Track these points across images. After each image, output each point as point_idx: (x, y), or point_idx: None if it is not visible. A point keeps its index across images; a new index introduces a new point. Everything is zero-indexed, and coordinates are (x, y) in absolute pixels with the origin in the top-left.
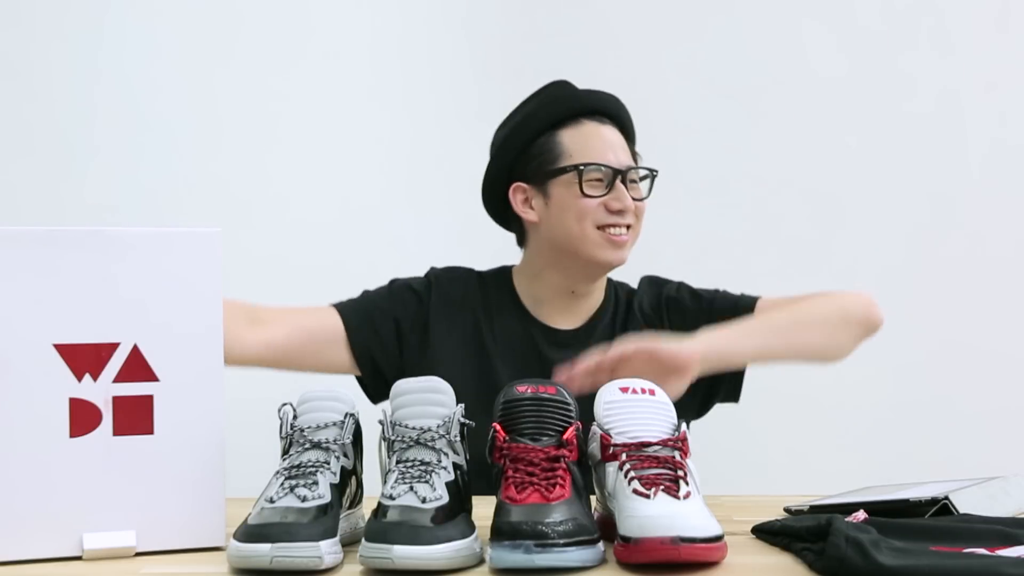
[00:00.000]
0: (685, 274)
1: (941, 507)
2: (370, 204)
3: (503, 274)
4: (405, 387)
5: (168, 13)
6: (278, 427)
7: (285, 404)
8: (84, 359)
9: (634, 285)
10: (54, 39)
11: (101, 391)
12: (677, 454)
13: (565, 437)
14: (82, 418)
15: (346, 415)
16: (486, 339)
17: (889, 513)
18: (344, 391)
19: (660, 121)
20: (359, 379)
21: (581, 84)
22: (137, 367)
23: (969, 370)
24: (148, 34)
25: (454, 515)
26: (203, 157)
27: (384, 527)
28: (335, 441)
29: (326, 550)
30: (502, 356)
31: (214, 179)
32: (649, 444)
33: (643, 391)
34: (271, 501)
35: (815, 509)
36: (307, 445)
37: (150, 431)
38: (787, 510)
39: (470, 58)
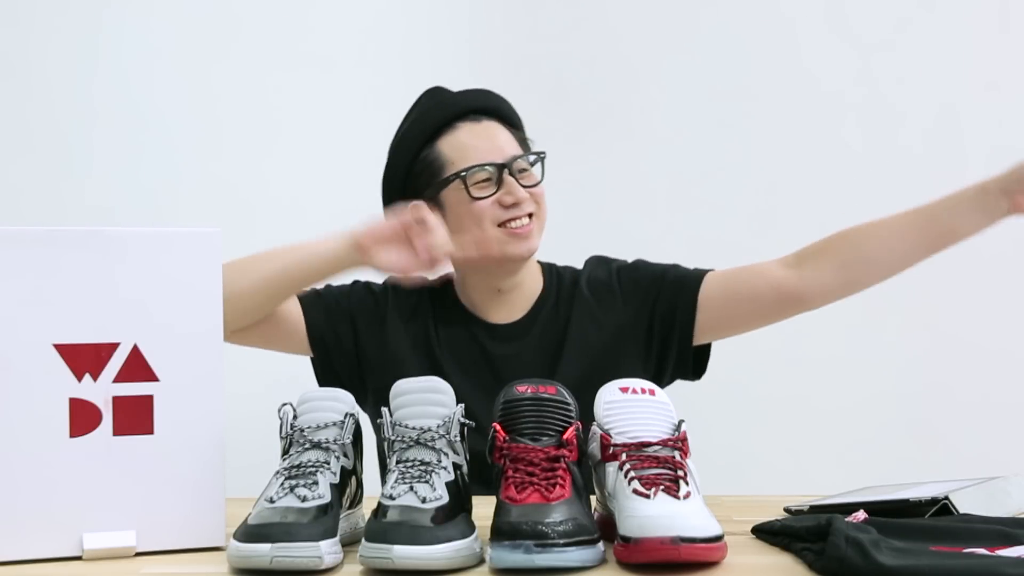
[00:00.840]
0: None
1: (941, 507)
2: (370, 204)
3: (447, 281)
4: (405, 387)
5: (168, 12)
6: (278, 427)
7: (285, 404)
8: (84, 359)
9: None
10: (53, 39)
11: (101, 391)
12: (677, 454)
13: (565, 437)
14: (82, 418)
15: (346, 415)
16: (433, 344)
17: (889, 513)
18: (344, 392)
19: (661, 122)
20: (312, 360)
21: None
22: (137, 367)
23: (969, 370)
24: (147, 33)
25: (454, 515)
26: (203, 157)
27: (384, 527)
28: (335, 441)
29: (326, 550)
30: (450, 357)
31: (214, 179)
32: (649, 444)
33: (643, 391)
34: (271, 501)
35: (815, 509)
36: (307, 445)
37: (150, 431)
38: (787, 510)
39: (471, 58)
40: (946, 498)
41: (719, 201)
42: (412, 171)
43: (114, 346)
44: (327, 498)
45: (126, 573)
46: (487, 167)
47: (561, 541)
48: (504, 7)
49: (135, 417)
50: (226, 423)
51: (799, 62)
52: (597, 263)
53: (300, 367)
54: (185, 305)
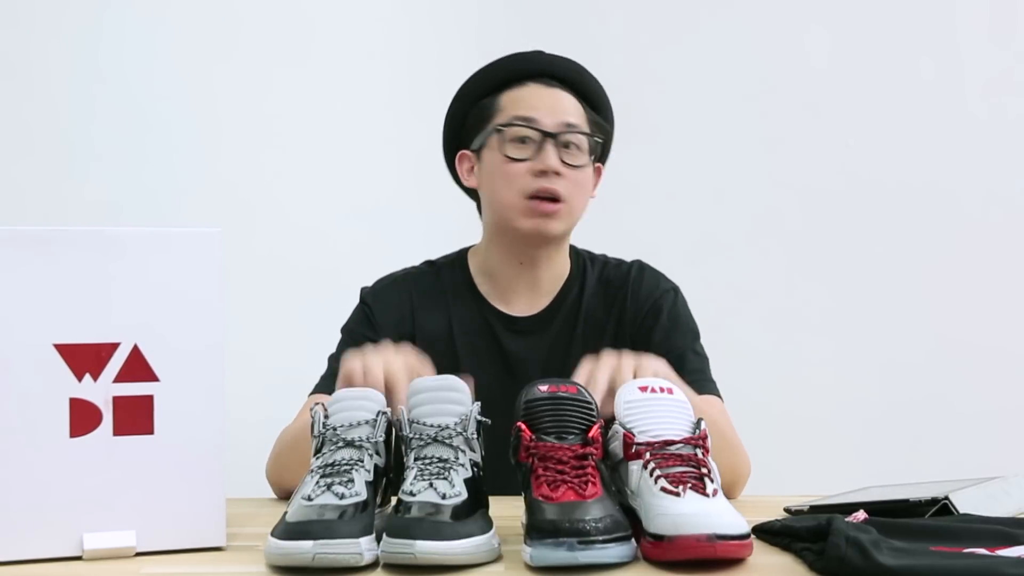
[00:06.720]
0: (685, 273)
1: (941, 507)
2: (371, 204)
3: (459, 259)
4: (422, 385)
5: (169, 11)
6: (310, 426)
7: (316, 405)
8: (84, 359)
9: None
10: (53, 39)
11: (101, 391)
12: (700, 452)
13: (591, 435)
14: (82, 418)
15: (378, 413)
16: (454, 338)
17: (889, 513)
18: (375, 391)
19: (662, 121)
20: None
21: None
22: (137, 367)
23: (969, 370)
24: (148, 32)
25: (473, 511)
26: (204, 157)
27: (406, 523)
28: (368, 439)
29: (365, 547)
30: (464, 348)
31: (215, 179)
32: (672, 442)
33: (662, 390)
34: (308, 499)
35: (815, 509)
36: (340, 444)
37: (150, 431)
38: (787, 510)
39: (473, 58)
40: (946, 498)
41: (718, 200)
42: (468, 116)
43: (114, 346)
44: (364, 495)
45: (126, 573)
46: (530, 128)
47: (601, 538)
48: (507, 6)
49: (135, 417)
50: (226, 423)
51: (799, 62)
52: (649, 278)
53: (300, 368)
54: (185, 305)
